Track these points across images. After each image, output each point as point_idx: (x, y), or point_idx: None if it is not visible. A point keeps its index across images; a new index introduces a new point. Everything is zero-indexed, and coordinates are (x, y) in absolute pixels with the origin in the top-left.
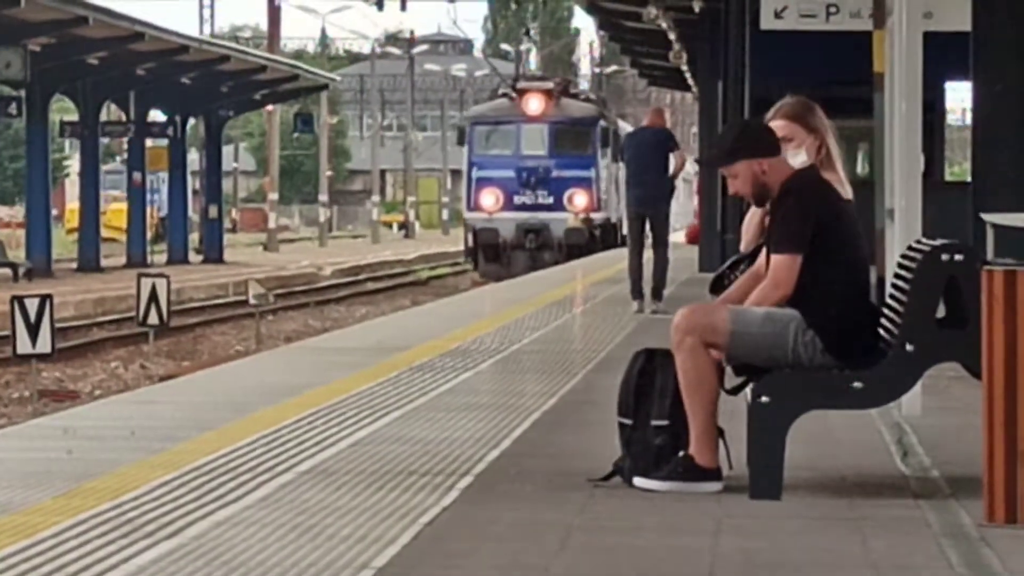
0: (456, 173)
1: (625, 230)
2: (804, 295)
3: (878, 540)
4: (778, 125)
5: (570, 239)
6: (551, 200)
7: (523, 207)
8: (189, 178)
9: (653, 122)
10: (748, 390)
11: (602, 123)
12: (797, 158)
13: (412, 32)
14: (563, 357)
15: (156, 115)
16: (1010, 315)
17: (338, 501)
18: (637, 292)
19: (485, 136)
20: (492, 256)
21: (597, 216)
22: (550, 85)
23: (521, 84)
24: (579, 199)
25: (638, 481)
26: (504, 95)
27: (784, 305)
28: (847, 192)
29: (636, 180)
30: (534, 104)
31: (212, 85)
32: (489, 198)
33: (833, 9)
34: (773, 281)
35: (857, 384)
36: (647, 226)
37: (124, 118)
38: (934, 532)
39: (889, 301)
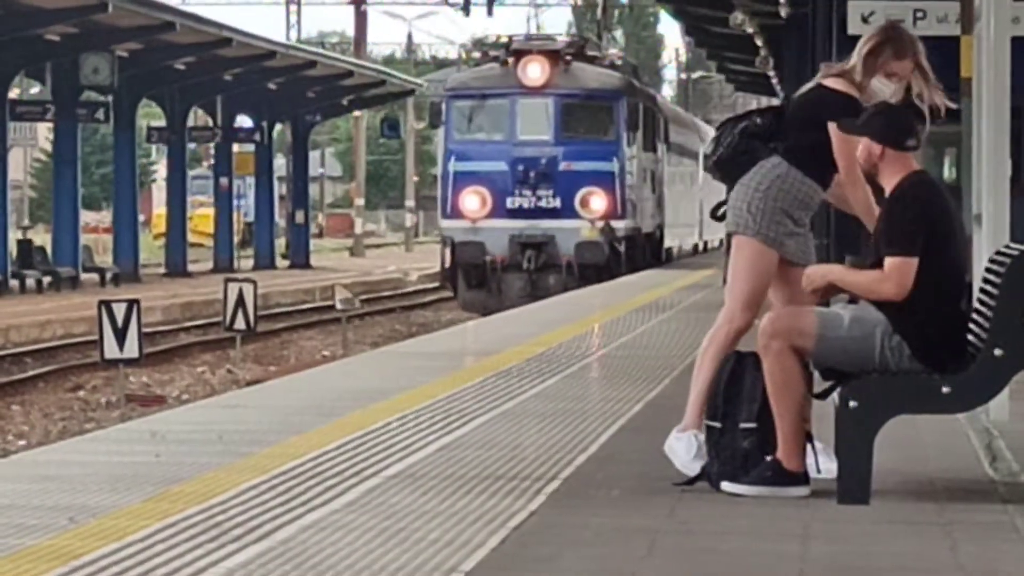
0: None
1: (668, 243)
2: (890, 301)
3: (967, 545)
4: (899, 66)
5: (584, 257)
6: (558, 203)
7: (519, 212)
8: (276, 183)
9: None
10: (836, 394)
11: (629, 97)
12: (887, 91)
13: (498, 37)
14: (650, 362)
15: (243, 120)
16: None
17: (425, 505)
18: None
19: (467, 115)
20: (477, 280)
21: (621, 225)
22: (557, 46)
23: (517, 44)
24: (596, 201)
25: (725, 486)
26: (494, 59)
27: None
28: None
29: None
30: (535, 71)
31: (299, 90)
32: (472, 200)
33: (920, 14)
34: (885, 275)
35: (945, 389)
36: None
37: (211, 123)
38: (1023, 537)
39: (977, 306)
